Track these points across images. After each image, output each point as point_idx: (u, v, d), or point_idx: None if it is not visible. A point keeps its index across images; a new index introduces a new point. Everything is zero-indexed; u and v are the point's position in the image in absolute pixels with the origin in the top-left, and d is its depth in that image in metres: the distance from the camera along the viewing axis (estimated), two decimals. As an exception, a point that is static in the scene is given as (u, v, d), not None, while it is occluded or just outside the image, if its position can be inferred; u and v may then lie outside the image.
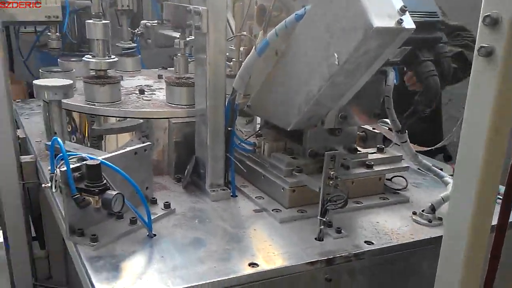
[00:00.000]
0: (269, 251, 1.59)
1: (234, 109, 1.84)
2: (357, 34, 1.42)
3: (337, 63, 1.48)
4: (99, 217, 1.70)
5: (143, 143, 2.20)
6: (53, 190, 1.59)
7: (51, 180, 1.74)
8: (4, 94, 2.15)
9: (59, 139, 1.61)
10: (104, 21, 2.01)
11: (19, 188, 2.35)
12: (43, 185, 1.69)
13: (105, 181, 1.60)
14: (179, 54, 2.13)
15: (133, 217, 1.70)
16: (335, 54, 1.48)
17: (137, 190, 1.63)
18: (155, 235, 1.67)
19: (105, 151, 2.17)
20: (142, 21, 2.90)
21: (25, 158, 2.37)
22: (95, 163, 1.57)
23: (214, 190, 1.93)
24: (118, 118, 2.16)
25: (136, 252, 1.58)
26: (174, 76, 2.17)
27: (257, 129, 2.14)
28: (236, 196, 1.96)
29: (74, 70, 2.34)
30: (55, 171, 1.59)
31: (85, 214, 1.64)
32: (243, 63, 1.78)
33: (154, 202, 1.85)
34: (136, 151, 1.79)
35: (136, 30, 2.89)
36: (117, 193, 1.58)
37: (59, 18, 2.05)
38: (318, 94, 1.59)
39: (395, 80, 1.78)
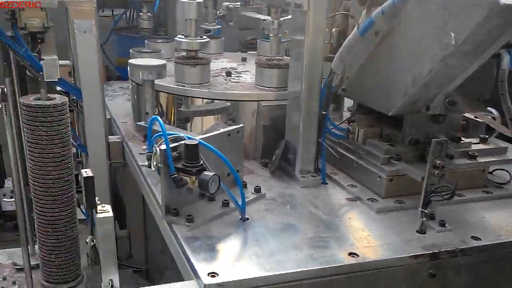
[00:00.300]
0: (368, 242, 1.52)
1: (330, 92, 1.77)
2: (480, 11, 1.30)
3: (453, 43, 1.37)
4: (190, 198, 1.69)
5: (229, 126, 2.20)
6: (152, 169, 1.59)
7: (148, 159, 1.75)
8: (97, 75, 2.19)
9: (159, 119, 1.61)
10: (198, 1, 1.99)
11: (107, 168, 2.40)
12: (140, 163, 1.70)
13: (201, 161, 1.58)
14: (271, 35, 2.07)
15: (225, 200, 1.67)
16: (452, 34, 1.37)
17: (234, 173, 1.60)
18: (247, 218, 1.64)
19: (191, 133, 2.17)
20: (224, 3, 2.87)
21: (112, 138, 2.41)
22: (193, 143, 1.56)
23: (304, 176, 1.88)
24: (205, 100, 2.14)
25: (231, 235, 1.56)
26: (264, 57, 2.12)
27: (350, 115, 2.06)
28: (326, 183, 1.90)
29: (162, 51, 2.35)
30: (155, 150, 1.59)
31: (179, 194, 1.63)
32: (343, 44, 1.70)
33: (244, 185, 1.81)
34: (229, 132, 1.76)
35: (218, 12, 2.86)
36: (214, 174, 1.55)
37: (152, -2, 2.05)
38: (427, 77, 1.49)
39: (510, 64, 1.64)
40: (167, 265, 2.81)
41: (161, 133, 1.71)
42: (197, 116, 2.21)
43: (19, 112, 2.33)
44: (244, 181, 1.83)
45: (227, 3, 2.86)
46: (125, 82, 3.38)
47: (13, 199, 2.97)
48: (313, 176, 1.88)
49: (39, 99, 1.85)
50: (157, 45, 2.48)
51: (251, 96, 2.02)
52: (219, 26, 2.82)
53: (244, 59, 2.61)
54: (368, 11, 1.64)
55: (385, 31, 1.63)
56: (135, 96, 2.41)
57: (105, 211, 1.27)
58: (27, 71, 2.22)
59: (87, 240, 1.34)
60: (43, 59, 2.12)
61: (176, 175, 1.55)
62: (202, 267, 1.38)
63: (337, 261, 1.41)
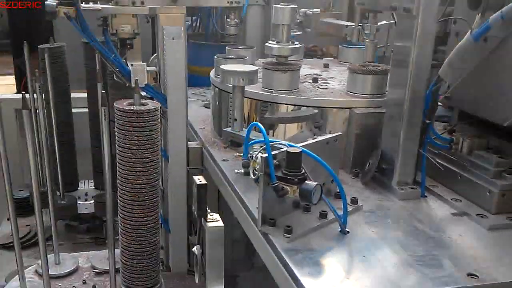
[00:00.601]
0: (485, 261, 1.40)
1: (436, 100, 1.67)
2: None
3: None
4: (284, 208, 1.63)
5: (314, 134, 2.13)
6: (252, 177, 1.54)
7: (244, 167, 1.70)
8: (183, 81, 2.18)
9: (260, 125, 1.56)
10: (292, 6, 1.94)
11: (186, 174, 2.38)
12: (235, 171, 1.66)
13: (303, 170, 1.52)
14: (367, 40, 1.99)
15: (323, 211, 1.60)
16: None
17: (338, 184, 1.53)
18: (348, 231, 1.55)
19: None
20: (302, 9, 2.82)
21: (191, 144, 2.39)
22: (296, 151, 1.49)
23: (402, 188, 1.77)
24: (291, 107, 2.09)
25: (333, 248, 1.48)
26: (358, 63, 2.05)
27: (449, 124, 1.94)
28: (426, 196, 1.79)
29: (247, 57, 2.32)
30: (254, 158, 1.54)
31: (275, 204, 1.57)
32: (454, 50, 1.60)
33: (338, 196, 1.73)
34: (328, 140, 1.69)
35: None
36: (317, 184, 1.49)
37: (241, 4, 2.01)
38: (555, 85, 1.37)
39: None
40: (240, 273, 2.76)
41: (258, 140, 1.67)
42: (282, 123, 2.15)
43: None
44: (338, 192, 1.75)
45: (305, 10, 2.81)
46: (196, 88, 3.39)
47: (88, 202, 3.03)
48: (412, 188, 1.78)
49: (132, 104, 1.85)
50: (239, 52, 2.45)
51: (345, 102, 1.94)
52: (300, 33, 2.77)
53: (326, 65, 2.54)
54: (482, 15, 1.53)
55: (501, 37, 1.51)
56: (217, 103, 2.38)
57: (214, 220, 1.22)
58: (114, 77, 2.24)
59: (194, 249, 1.29)
60: (132, 65, 2.12)
61: (278, 184, 1.49)
62: (310, 283, 1.30)
63: (457, 282, 1.30)
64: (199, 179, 1.24)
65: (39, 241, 1.89)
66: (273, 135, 2.18)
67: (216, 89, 2.35)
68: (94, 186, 3.13)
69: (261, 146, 1.77)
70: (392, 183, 1.80)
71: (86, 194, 3.06)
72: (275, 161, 1.51)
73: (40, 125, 2.04)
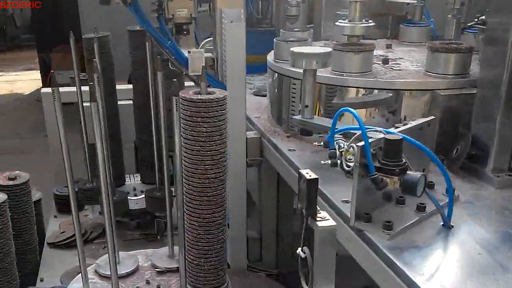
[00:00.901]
0: None
1: (541, 78, 1.51)
2: None
3: None
4: (376, 201, 1.49)
5: (387, 120, 1.98)
6: (344, 168, 1.41)
7: (331, 157, 1.57)
8: (243, 67, 2.04)
9: (352, 110, 1.42)
10: (365, -19, 1.79)
11: (245, 166, 2.26)
12: (322, 162, 1.52)
13: (404, 160, 1.38)
14: (449, 16, 1.83)
15: (421, 203, 1.46)
16: None
17: (444, 173, 1.38)
18: (453, 226, 1.41)
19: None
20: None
21: (249, 134, 2.27)
22: (397, 138, 1.36)
23: (498, 176, 1.63)
24: (362, 91, 1.94)
25: (442, 245, 1.35)
26: (438, 41, 1.89)
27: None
28: (524, 184, 1.64)
29: (309, 39, 2.17)
30: (347, 147, 1.40)
31: (367, 197, 1.44)
32: None
33: (430, 186, 1.59)
34: (421, 126, 1.55)
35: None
36: (422, 175, 1.35)
37: (302, -17, 1.87)
38: None
39: None
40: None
41: (349, 127, 1.54)
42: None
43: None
44: (431, 181, 1.61)
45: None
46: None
47: (137, 197, 2.93)
48: (509, 176, 1.63)
49: (199, 93, 1.72)
50: (296, 34, 2.30)
51: (428, 84, 1.78)
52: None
53: (389, 46, 2.38)
54: None
55: None
56: (276, 89, 2.25)
57: (324, 218, 1.10)
58: (169, 65, 2.11)
59: (298, 251, 1.17)
60: (189, 52, 2.00)
61: (377, 175, 1.36)
62: (427, 286, 1.17)
63: None
64: (308, 173, 1.11)
65: (107, 240, 1.78)
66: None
67: (276, 74, 2.21)
68: (141, 180, 3.02)
69: (340, 134, 1.64)
70: (486, 171, 1.65)
71: (134, 189, 2.95)
72: (371, 150, 1.37)
73: (100, 118, 1.92)
